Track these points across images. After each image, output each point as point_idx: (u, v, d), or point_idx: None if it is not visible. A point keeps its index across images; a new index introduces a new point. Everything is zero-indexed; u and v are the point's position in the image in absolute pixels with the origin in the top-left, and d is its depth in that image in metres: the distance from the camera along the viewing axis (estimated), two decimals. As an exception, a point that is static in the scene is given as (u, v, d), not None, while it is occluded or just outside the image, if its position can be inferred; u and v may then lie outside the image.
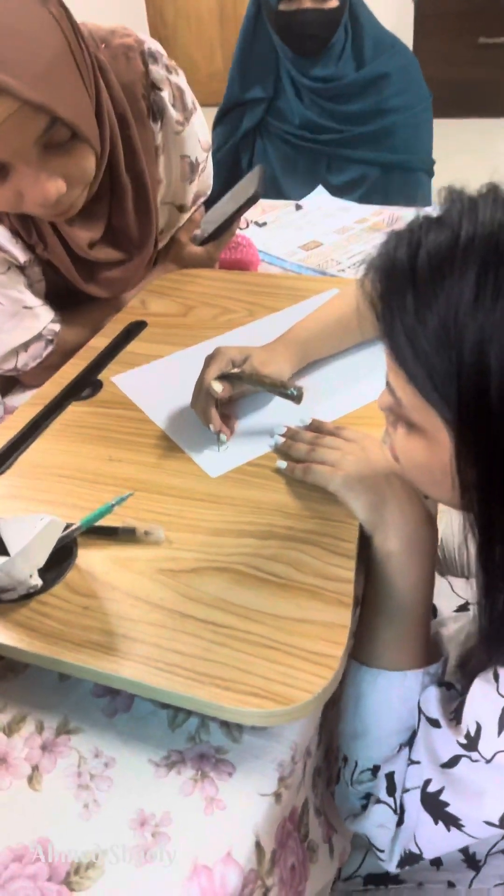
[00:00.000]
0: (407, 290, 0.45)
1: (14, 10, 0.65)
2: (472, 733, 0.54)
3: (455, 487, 0.48)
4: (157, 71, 0.89)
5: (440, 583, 0.89)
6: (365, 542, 0.64)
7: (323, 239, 1.27)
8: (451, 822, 0.56)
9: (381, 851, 0.62)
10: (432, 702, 0.60)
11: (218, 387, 0.74)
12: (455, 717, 0.58)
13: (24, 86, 0.64)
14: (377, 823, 0.61)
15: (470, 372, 0.43)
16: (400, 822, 0.60)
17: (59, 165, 0.73)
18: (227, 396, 0.76)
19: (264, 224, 1.35)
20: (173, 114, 0.91)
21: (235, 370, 0.75)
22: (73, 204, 0.78)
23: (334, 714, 0.67)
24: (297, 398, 0.74)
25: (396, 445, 0.56)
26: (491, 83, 3.56)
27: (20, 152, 0.69)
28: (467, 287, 0.42)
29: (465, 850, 0.71)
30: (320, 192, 1.47)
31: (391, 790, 0.60)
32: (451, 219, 0.44)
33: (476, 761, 0.54)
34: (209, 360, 0.76)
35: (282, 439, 0.74)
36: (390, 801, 0.60)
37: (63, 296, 0.95)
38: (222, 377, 0.75)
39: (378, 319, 0.48)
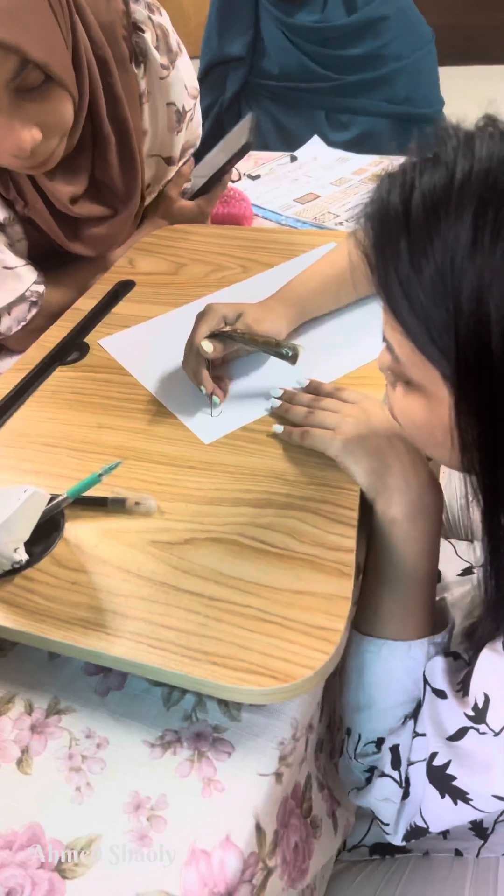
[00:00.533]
0: (401, 237, 0.41)
1: None
2: (480, 705, 0.52)
3: (456, 447, 0.45)
4: (138, 10, 0.83)
5: (444, 546, 0.86)
6: (366, 509, 0.61)
7: (320, 191, 1.22)
8: (459, 795, 0.54)
9: (387, 825, 0.60)
10: (438, 672, 0.57)
11: (208, 346, 0.70)
12: (462, 688, 0.56)
13: None
14: (382, 797, 0.59)
15: (468, 321, 0.40)
16: (405, 796, 0.58)
17: (34, 112, 0.68)
18: (218, 356, 0.72)
19: (257, 177, 1.29)
20: (157, 57, 0.86)
21: (227, 328, 0.71)
22: (51, 155, 0.73)
23: (337, 685, 0.65)
24: (292, 358, 0.70)
25: (395, 405, 0.52)
26: (492, 29, 3.43)
27: None
28: (464, 229, 0.39)
29: (474, 823, 0.70)
30: (316, 143, 1.41)
31: (396, 763, 0.58)
32: (447, 156, 0.40)
33: (484, 734, 0.52)
34: (200, 319, 0.72)
35: (278, 402, 0.71)
36: (395, 774, 0.58)
37: (47, 255, 0.91)
38: (213, 336, 0.71)
39: (371, 270, 0.45)
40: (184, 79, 0.90)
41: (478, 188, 0.39)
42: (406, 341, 0.45)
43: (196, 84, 0.94)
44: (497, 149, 0.39)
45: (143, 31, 0.84)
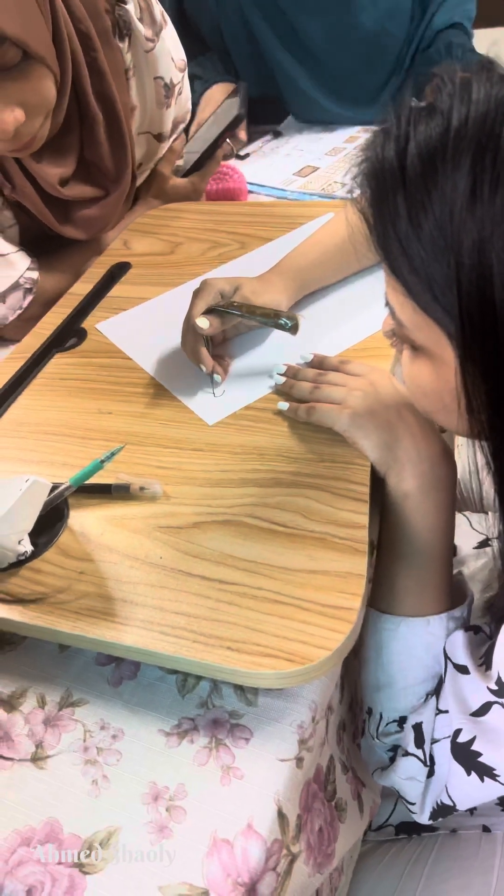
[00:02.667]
0: (398, 192, 0.39)
1: None
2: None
3: (464, 411, 0.43)
4: None
5: (458, 519, 0.85)
6: (378, 484, 0.60)
7: (316, 163, 1.19)
8: (485, 772, 0.53)
9: (412, 804, 0.59)
10: (459, 647, 0.56)
11: (204, 323, 0.68)
12: (484, 662, 0.54)
13: None
14: (406, 776, 0.58)
15: (470, 276, 0.38)
16: (430, 774, 0.57)
17: (14, 92, 0.66)
18: (215, 332, 0.70)
19: (246, 156, 1.25)
20: (141, 29, 0.83)
21: (224, 303, 0.69)
22: (35, 136, 0.71)
23: (356, 664, 0.64)
24: (292, 328, 0.68)
25: (403, 372, 0.50)
26: None
27: None
28: (462, 179, 0.37)
29: (500, 800, 0.68)
30: (291, 123, 1.35)
31: (419, 742, 0.57)
32: (442, 104, 0.38)
33: (509, 708, 0.50)
34: (196, 295, 0.70)
35: (282, 379, 0.69)
36: (419, 752, 0.57)
37: (39, 240, 0.89)
38: (210, 312, 0.69)
39: (370, 230, 0.43)
40: (170, 51, 0.87)
41: (475, 134, 0.36)
42: (408, 302, 0.43)
43: (183, 56, 0.91)
44: (495, 91, 0.37)
45: (125, 3, 0.81)
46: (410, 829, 0.73)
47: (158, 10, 0.85)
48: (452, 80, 0.39)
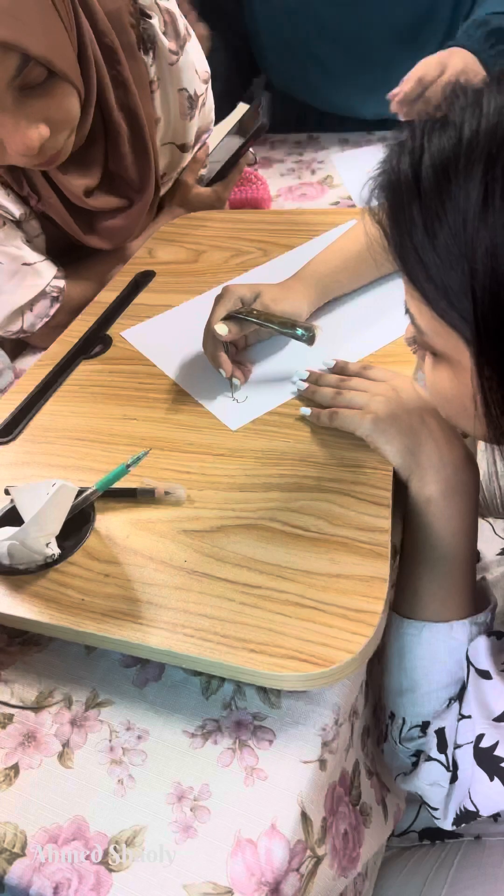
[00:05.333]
0: (413, 203, 0.40)
1: None
2: (528, 684, 0.50)
3: (481, 415, 0.44)
4: None
5: (482, 525, 0.84)
6: (400, 489, 0.60)
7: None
8: (509, 777, 0.53)
9: (436, 810, 0.59)
10: (482, 652, 0.56)
11: (222, 329, 0.69)
12: (508, 667, 0.54)
13: None
14: (430, 781, 0.58)
15: (484, 282, 0.39)
16: (453, 780, 0.57)
17: (39, 109, 0.67)
18: (233, 338, 0.71)
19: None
20: (166, 43, 0.84)
21: (243, 309, 0.70)
22: (60, 150, 0.73)
23: (380, 669, 0.64)
24: (308, 339, 0.68)
25: (426, 378, 0.51)
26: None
27: None
28: (474, 188, 0.37)
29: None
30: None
31: (442, 747, 0.57)
32: (455, 116, 0.39)
33: (533, 714, 0.50)
34: (217, 301, 0.71)
35: (304, 385, 0.69)
36: (442, 758, 0.57)
37: (65, 250, 0.90)
38: (229, 318, 0.70)
39: (387, 241, 0.43)
40: (194, 63, 0.89)
41: (486, 144, 0.37)
42: (426, 309, 0.43)
43: (207, 68, 0.92)
44: None
45: (150, 17, 0.82)
46: (434, 835, 0.73)
47: (182, 23, 0.87)
48: (465, 92, 0.40)
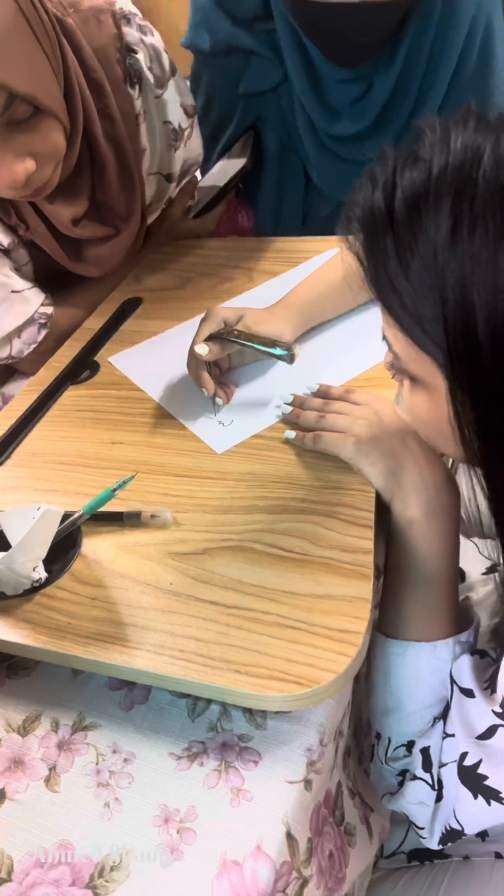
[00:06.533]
0: (387, 235, 0.42)
1: None
2: (509, 702, 0.51)
3: (456, 437, 0.45)
4: (130, 32, 0.84)
5: (466, 545, 0.85)
6: (384, 510, 0.61)
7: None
8: (492, 795, 0.53)
9: (422, 829, 0.59)
10: (465, 671, 0.57)
11: (202, 349, 0.70)
12: (490, 685, 0.55)
13: None
14: (415, 801, 0.58)
15: (454, 310, 0.40)
16: (439, 799, 0.57)
17: (26, 143, 0.69)
18: (214, 358, 0.72)
19: None
20: (151, 77, 0.87)
21: (225, 330, 0.72)
22: (47, 182, 0.74)
23: (361, 690, 0.64)
24: (288, 358, 0.70)
25: (404, 402, 0.52)
26: None
27: None
28: (443, 222, 0.39)
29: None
30: None
31: (427, 766, 0.58)
32: (425, 152, 0.41)
33: (514, 731, 0.51)
34: (202, 322, 0.73)
35: (289, 408, 0.71)
36: (427, 777, 0.58)
37: (53, 276, 0.92)
38: (211, 338, 0.71)
39: (363, 270, 0.45)
40: (179, 97, 0.91)
41: (453, 180, 0.39)
42: (402, 336, 0.45)
43: (192, 101, 0.95)
44: (471, 139, 0.40)
45: (135, 53, 0.85)
46: (422, 856, 0.73)
47: (167, 59, 0.89)
48: (434, 129, 0.42)
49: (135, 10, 0.86)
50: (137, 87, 0.87)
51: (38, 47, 0.68)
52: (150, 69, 0.86)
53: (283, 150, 1.08)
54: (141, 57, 0.85)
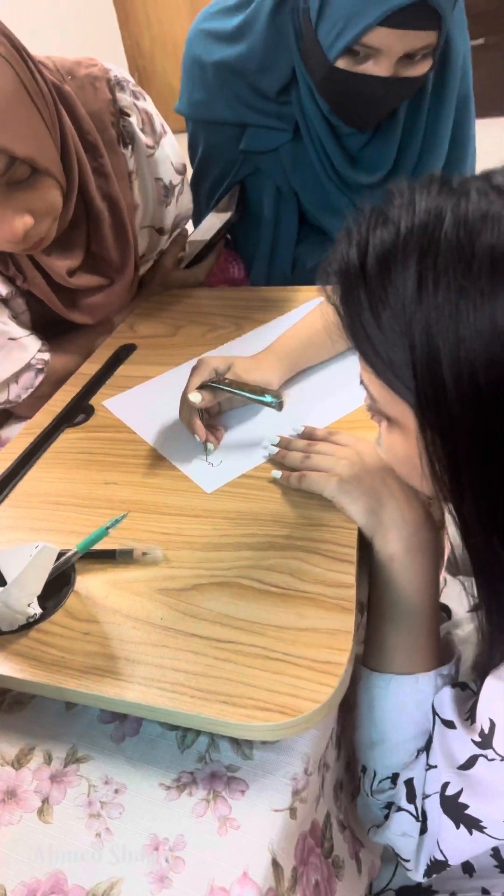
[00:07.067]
0: (361, 288, 0.46)
1: None
2: (486, 730, 0.53)
3: (427, 474, 0.48)
4: (124, 98, 0.89)
5: (454, 583, 0.88)
6: (366, 545, 0.64)
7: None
8: (473, 824, 0.55)
9: (407, 861, 0.60)
10: (447, 703, 0.59)
11: (196, 397, 0.74)
12: (470, 716, 0.57)
13: None
14: (400, 832, 0.60)
15: (422, 356, 0.43)
16: (423, 831, 0.58)
17: (24, 200, 0.73)
18: (207, 405, 0.76)
19: None
20: (143, 138, 0.92)
21: (216, 379, 0.75)
22: (44, 237, 0.79)
23: (352, 724, 0.66)
24: (277, 406, 0.73)
25: (382, 442, 0.55)
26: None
27: None
28: (410, 278, 0.43)
29: (497, 856, 0.69)
30: None
31: (411, 797, 0.59)
32: (394, 214, 0.45)
33: (492, 760, 0.53)
34: (193, 371, 0.77)
35: (275, 449, 0.74)
36: (411, 808, 0.59)
37: (50, 324, 0.96)
38: (203, 386, 0.75)
39: (340, 319, 0.49)
40: (170, 156, 0.96)
41: (418, 239, 0.43)
42: (377, 380, 0.48)
43: (183, 160, 1.00)
44: (433, 203, 0.43)
45: (129, 116, 0.90)
46: (411, 893, 0.74)
47: (159, 121, 0.95)
48: (402, 193, 0.46)
49: (129, 77, 0.92)
50: (130, 147, 0.92)
51: (37, 114, 0.73)
52: (142, 130, 0.92)
53: (280, 202, 1.13)
54: (134, 120, 0.91)
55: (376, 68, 0.88)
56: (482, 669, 0.57)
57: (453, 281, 0.41)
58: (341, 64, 0.89)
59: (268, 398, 0.73)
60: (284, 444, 0.74)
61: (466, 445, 0.45)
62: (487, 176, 0.44)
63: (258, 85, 1.02)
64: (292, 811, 0.52)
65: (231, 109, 1.05)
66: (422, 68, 0.90)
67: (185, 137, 1.15)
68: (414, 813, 0.59)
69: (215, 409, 0.81)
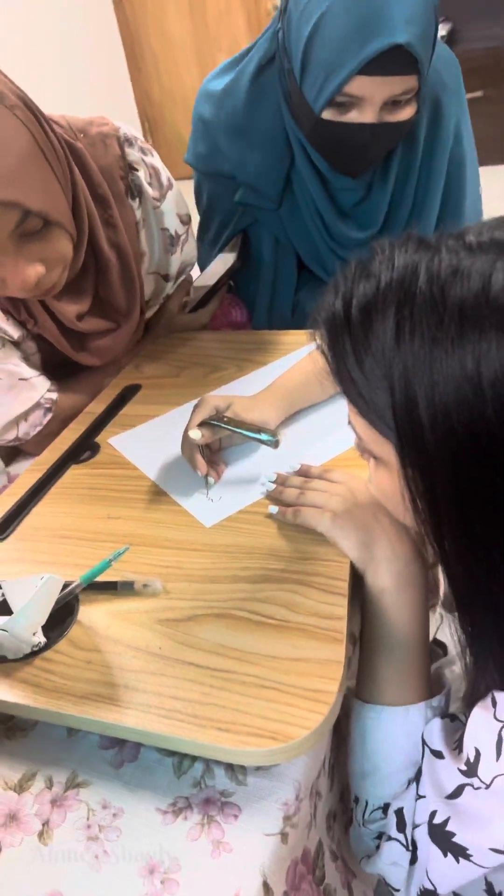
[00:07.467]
0: (345, 336, 0.49)
1: None
2: (472, 759, 0.54)
3: (409, 508, 0.51)
4: (132, 153, 0.95)
5: (448, 620, 0.90)
6: (358, 578, 0.66)
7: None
8: (459, 852, 0.56)
9: (398, 891, 0.61)
10: (436, 733, 0.60)
11: (196, 434, 0.77)
12: (458, 746, 0.59)
13: None
14: (390, 861, 0.61)
15: (401, 399, 0.47)
16: (413, 860, 0.60)
17: (37, 251, 0.78)
18: (206, 442, 0.79)
19: None
20: (150, 191, 0.97)
21: (216, 417, 0.79)
22: (55, 284, 0.83)
23: (345, 755, 0.68)
24: (273, 444, 0.77)
25: (371, 479, 0.58)
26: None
27: None
28: (389, 328, 0.46)
29: (489, 887, 0.70)
30: None
31: (401, 826, 0.60)
32: (375, 268, 0.49)
33: (477, 788, 0.54)
34: (195, 409, 0.80)
35: (272, 486, 0.77)
36: (401, 837, 0.60)
37: (59, 365, 1.00)
38: (204, 424, 0.78)
39: (328, 364, 0.52)
40: (175, 208, 1.02)
41: (396, 293, 0.46)
42: (362, 420, 0.52)
43: (188, 212, 1.05)
44: (410, 259, 0.47)
45: (137, 170, 0.96)
46: (405, 926, 0.74)
47: (165, 175, 1.00)
48: (383, 250, 0.49)
49: (137, 134, 0.98)
50: (138, 199, 0.97)
51: (50, 170, 0.78)
52: (149, 184, 0.97)
53: (279, 251, 1.18)
54: (141, 174, 0.96)
55: (361, 116, 0.92)
56: (469, 700, 0.59)
57: (427, 331, 0.45)
58: (327, 115, 0.93)
59: (264, 436, 0.77)
60: (281, 481, 0.77)
61: (443, 482, 0.48)
62: (461, 234, 0.48)
63: (245, 140, 1.07)
64: (283, 836, 0.54)
65: (229, 164, 1.10)
66: (407, 113, 0.94)
67: (188, 184, 1.21)
68: (404, 842, 0.60)
69: (216, 446, 0.84)
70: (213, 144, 1.11)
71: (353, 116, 0.92)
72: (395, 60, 0.86)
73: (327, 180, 1.07)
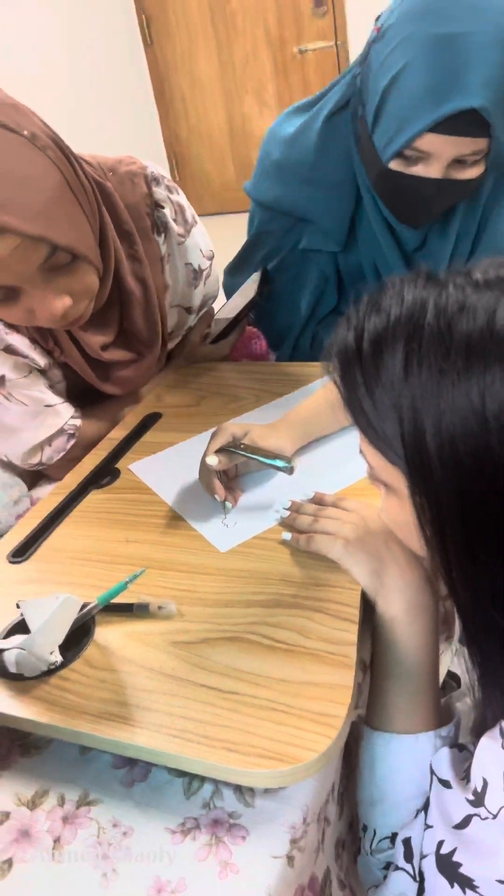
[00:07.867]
0: (356, 367, 0.51)
1: (15, 158, 0.73)
2: (479, 789, 0.55)
3: (417, 535, 0.52)
4: (158, 191, 0.99)
5: (463, 652, 0.90)
6: (370, 607, 0.67)
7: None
8: (466, 883, 0.56)
9: (405, 922, 0.61)
10: (444, 763, 0.61)
11: (213, 460, 0.79)
12: (466, 775, 0.59)
13: (23, 223, 0.72)
14: (398, 892, 0.61)
15: (410, 429, 0.49)
16: (421, 892, 0.60)
17: (64, 284, 0.81)
18: (224, 468, 0.81)
19: None
20: (175, 227, 1.01)
21: (233, 444, 0.81)
22: (81, 315, 0.86)
23: (354, 783, 0.68)
24: (288, 470, 0.79)
25: (382, 507, 0.60)
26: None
27: (26, 278, 0.77)
28: (398, 360, 0.48)
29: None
30: None
31: (409, 856, 0.60)
32: (385, 304, 0.51)
33: (485, 818, 0.54)
34: (213, 436, 0.83)
35: (286, 513, 0.78)
36: (408, 867, 0.60)
37: (83, 393, 1.03)
38: (221, 450, 0.80)
39: (340, 395, 0.54)
40: (199, 244, 1.05)
41: (405, 327, 0.48)
42: (373, 449, 0.53)
43: (211, 247, 1.09)
44: (419, 295, 0.49)
45: (163, 208, 0.99)
46: None
47: (190, 213, 1.04)
48: (393, 285, 0.52)
49: (164, 173, 1.02)
50: (163, 235, 1.01)
51: (79, 207, 0.81)
52: (174, 221, 1.01)
53: (325, 289, 1.19)
54: (167, 211, 1.00)
55: (427, 170, 0.93)
56: (477, 730, 0.60)
57: (434, 363, 0.47)
58: (394, 165, 0.95)
59: (280, 462, 0.79)
60: (295, 508, 0.79)
61: (450, 510, 0.49)
62: (468, 271, 0.50)
63: (314, 183, 1.09)
64: (290, 859, 0.54)
65: (294, 204, 1.11)
66: (473, 172, 0.95)
67: (227, 219, 1.23)
68: (411, 873, 0.60)
69: (232, 472, 0.86)
70: (281, 183, 1.11)
71: (419, 170, 0.94)
72: (467, 122, 0.87)
73: (392, 225, 1.08)
